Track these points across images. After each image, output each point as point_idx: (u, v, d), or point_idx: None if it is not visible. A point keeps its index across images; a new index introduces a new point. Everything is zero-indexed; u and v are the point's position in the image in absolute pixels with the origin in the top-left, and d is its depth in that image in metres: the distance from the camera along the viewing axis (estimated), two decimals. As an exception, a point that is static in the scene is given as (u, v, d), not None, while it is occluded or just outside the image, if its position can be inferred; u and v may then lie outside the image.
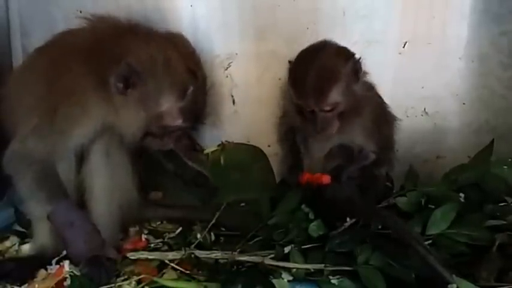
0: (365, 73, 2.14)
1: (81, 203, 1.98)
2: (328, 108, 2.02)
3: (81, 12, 2.33)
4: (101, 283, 1.75)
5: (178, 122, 1.94)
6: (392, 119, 2.27)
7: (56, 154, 1.86)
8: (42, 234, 1.98)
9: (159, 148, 2.06)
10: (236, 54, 2.43)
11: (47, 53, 1.96)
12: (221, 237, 2.12)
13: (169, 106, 1.90)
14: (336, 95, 2.01)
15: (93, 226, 1.87)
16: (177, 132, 2.04)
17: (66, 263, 1.83)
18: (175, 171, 2.26)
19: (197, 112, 2.06)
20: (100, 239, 1.86)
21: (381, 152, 2.18)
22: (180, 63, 1.92)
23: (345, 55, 2.06)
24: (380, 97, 2.23)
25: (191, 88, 1.94)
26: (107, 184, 1.96)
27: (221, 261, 1.88)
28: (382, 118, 2.21)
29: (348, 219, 1.95)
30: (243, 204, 2.29)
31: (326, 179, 2.08)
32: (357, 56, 2.07)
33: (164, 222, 2.27)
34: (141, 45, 1.87)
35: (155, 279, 1.78)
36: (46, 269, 1.88)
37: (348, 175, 2.12)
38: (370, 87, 2.19)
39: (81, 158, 1.97)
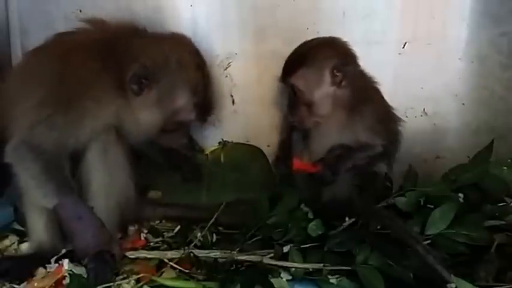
0: (362, 76, 2.16)
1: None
2: (292, 86, 2.10)
3: (80, 11, 2.34)
4: (105, 280, 1.74)
5: (192, 116, 2.09)
6: (397, 119, 2.27)
7: (65, 146, 1.87)
8: (39, 232, 1.98)
9: (171, 144, 2.17)
10: (236, 54, 2.44)
11: (54, 50, 1.97)
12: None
13: (184, 102, 2.03)
14: (300, 78, 2.07)
15: (101, 221, 1.86)
16: (184, 129, 2.17)
17: (65, 262, 1.82)
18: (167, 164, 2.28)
19: (206, 106, 2.16)
20: (108, 234, 1.87)
21: (387, 145, 2.18)
22: (190, 61, 2.04)
23: (332, 54, 2.08)
24: (383, 99, 2.23)
25: (201, 83, 2.07)
26: (104, 181, 1.96)
27: (220, 260, 1.88)
28: (386, 116, 2.21)
29: (347, 218, 1.96)
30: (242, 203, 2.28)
31: (314, 168, 2.09)
32: (352, 66, 2.10)
33: (163, 221, 2.27)
34: (154, 46, 1.98)
35: (154, 278, 1.78)
36: (45, 268, 1.87)
37: (349, 165, 2.11)
38: (372, 90, 2.20)
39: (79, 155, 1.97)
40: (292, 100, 2.14)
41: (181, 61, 2.01)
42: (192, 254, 1.90)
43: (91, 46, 1.93)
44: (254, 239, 2.00)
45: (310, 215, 2.05)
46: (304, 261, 1.84)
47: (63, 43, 1.98)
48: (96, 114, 1.89)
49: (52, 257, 1.89)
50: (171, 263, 1.86)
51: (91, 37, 1.98)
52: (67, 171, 1.89)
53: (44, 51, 2.00)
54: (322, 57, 2.07)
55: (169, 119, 2.04)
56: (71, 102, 1.84)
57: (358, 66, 2.15)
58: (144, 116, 1.98)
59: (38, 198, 1.86)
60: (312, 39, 2.14)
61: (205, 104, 2.15)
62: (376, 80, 2.21)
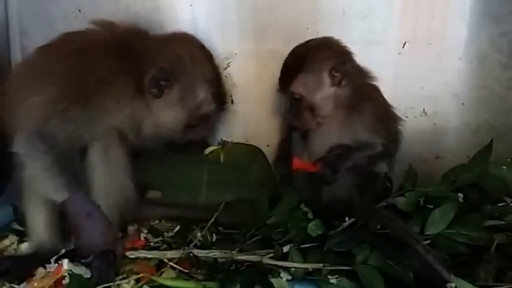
0: (362, 75, 2.17)
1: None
2: (292, 94, 2.10)
3: (80, 11, 2.34)
4: (107, 279, 1.74)
5: (213, 106, 2.14)
6: (397, 118, 2.28)
7: (78, 140, 1.89)
8: (39, 232, 1.98)
9: (194, 138, 2.20)
10: (235, 53, 2.44)
11: (68, 47, 1.97)
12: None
13: (204, 95, 2.09)
14: (299, 84, 2.08)
15: (109, 220, 1.87)
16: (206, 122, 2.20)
17: (65, 262, 1.81)
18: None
19: (221, 94, 2.21)
20: (115, 233, 1.88)
21: (387, 144, 2.18)
22: (200, 55, 2.11)
23: (329, 55, 2.09)
24: (383, 97, 2.23)
25: (214, 74, 2.14)
26: (104, 182, 1.96)
27: (220, 260, 1.88)
28: (385, 115, 2.21)
29: (346, 218, 1.96)
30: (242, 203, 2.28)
31: (314, 167, 2.09)
32: (349, 64, 2.10)
33: (163, 221, 2.27)
34: (165, 47, 2.03)
35: (154, 278, 1.77)
36: (45, 268, 1.87)
37: (349, 164, 2.11)
38: (371, 89, 2.20)
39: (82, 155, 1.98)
40: (294, 106, 2.14)
41: (193, 57, 2.06)
42: (191, 254, 1.90)
43: (105, 46, 1.95)
44: (254, 239, 2.00)
45: (310, 215, 2.04)
46: (304, 261, 1.83)
47: (75, 41, 2.00)
48: (114, 114, 1.93)
49: (52, 256, 1.89)
50: (170, 263, 1.86)
51: (101, 37, 2.00)
52: (77, 167, 1.90)
53: (56, 48, 2.00)
54: (318, 60, 2.07)
55: (192, 114, 2.08)
56: (89, 100, 1.86)
57: (355, 62, 2.15)
58: (168, 116, 2.04)
59: (48, 191, 1.85)
60: (305, 42, 2.14)
61: (220, 92, 2.20)
62: (374, 75, 2.21)
